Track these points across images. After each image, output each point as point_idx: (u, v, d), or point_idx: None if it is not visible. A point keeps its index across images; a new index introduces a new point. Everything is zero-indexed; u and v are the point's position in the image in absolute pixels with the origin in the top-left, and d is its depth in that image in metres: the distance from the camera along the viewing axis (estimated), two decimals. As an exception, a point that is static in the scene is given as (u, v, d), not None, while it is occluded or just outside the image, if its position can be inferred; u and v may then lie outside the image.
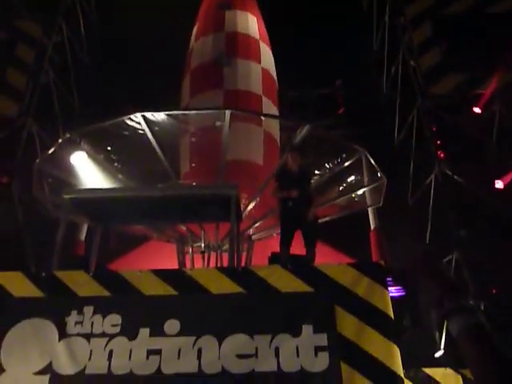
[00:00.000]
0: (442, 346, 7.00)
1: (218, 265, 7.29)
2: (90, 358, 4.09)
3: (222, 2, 10.02)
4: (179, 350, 4.04)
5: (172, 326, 4.17)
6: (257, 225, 7.80)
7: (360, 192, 7.53)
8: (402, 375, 3.89)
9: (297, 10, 12.37)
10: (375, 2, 12.86)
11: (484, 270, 7.75)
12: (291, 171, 5.60)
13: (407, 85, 10.64)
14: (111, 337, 4.17)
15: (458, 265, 8.10)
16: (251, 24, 9.95)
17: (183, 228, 7.68)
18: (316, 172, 6.68)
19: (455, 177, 8.96)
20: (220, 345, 4.01)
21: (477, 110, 9.92)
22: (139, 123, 6.18)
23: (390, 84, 11.82)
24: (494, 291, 7.75)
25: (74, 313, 4.32)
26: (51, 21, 10.01)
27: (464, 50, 10.17)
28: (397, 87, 11.29)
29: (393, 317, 4.14)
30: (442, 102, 9.79)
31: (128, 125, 6.22)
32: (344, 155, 6.97)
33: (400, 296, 6.83)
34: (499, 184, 9.07)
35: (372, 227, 8.02)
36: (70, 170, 6.53)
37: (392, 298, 4.31)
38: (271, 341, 3.99)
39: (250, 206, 7.44)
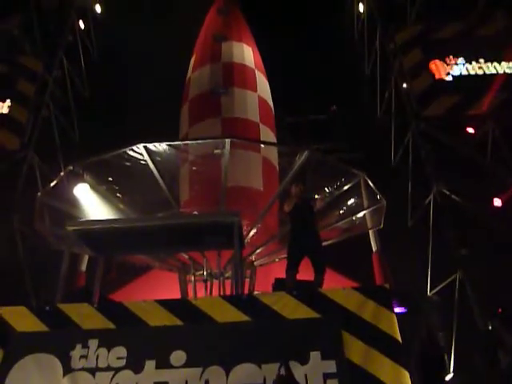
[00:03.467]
0: (452, 370, 6.91)
1: (221, 292, 7.23)
2: (95, 393, 4.03)
3: (218, 34, 10.34)
4: (186, 381, 3.99)
5: (178, 357, 4.12)
6: (259, 251, 7.79)
7: (360, 215, 7.56)
8: (413, 400, 3.84)
9: (290, 38, 12.74)
10: (366, 31, 13.33)
11: (487, 288, 7.72)
12: (296, 202, 5.76)
13: (401, 108, 10.88)
14: (117, 370, 4.11)
15: (462, 284, 8.08)
16: (247, 54, 10.24)
17: (185, 256, 7.66)
18: (316, 196, 6.73)
19: (453, 196, 9.03)
20: (227, 375, 3.96)
21: (470, 130, 10.12)
22: (141, 154, 6.27)
23: (385, 108, 12.08)
24: (499, 310, 7.69)
25: (79, 346, 4.27)
26: (52, 56, 10.27)
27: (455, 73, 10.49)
28: (391, 111, 11.55)
29: (401, 340, 4.11)
30: (436, 124, 9.98)
31: (130, 155, 6.30)
32: (343, 179, 7.03)
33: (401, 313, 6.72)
34: (497, 202, 9.15)
35: (374, 250, 8.03)
36: (72, 202, 6.56)
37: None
38: (279, 369, 3.95)
39: (252, 233, 7.45)
